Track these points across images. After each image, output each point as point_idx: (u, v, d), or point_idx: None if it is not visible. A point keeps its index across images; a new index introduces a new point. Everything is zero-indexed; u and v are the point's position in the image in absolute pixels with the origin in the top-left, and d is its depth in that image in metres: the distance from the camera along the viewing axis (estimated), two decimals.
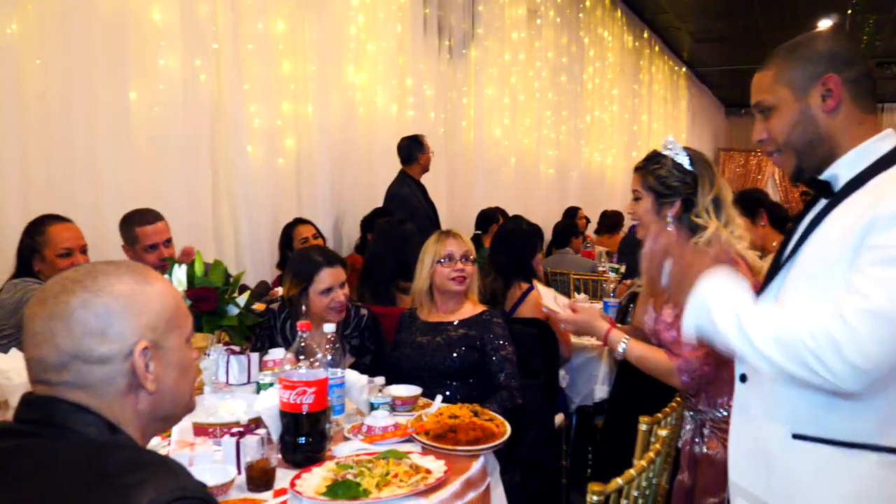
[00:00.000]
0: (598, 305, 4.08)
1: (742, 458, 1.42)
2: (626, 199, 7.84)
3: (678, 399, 1.94)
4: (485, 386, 2.57)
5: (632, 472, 1.38)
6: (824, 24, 10.47)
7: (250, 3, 4.00)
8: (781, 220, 3.40)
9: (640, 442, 1.64)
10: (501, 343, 2.58)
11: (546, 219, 7.29)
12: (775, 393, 1.34)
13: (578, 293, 4.86)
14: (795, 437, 1.32)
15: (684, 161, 2.03)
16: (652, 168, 2.05)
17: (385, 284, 3.35)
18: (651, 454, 1.47)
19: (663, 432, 1.56)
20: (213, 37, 3.78)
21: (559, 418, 3.24)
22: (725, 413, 1.95)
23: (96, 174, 3.25)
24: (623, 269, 5.35)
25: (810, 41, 1.39)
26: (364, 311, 2.79)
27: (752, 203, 3.31)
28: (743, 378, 1.43)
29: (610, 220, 7.66)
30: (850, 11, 7.88)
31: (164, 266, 2.81)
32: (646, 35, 11.05)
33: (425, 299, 2.71)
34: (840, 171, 1.36)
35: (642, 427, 1.64)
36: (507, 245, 3.33)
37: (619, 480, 1.47)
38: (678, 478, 2.08)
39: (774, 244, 3.07)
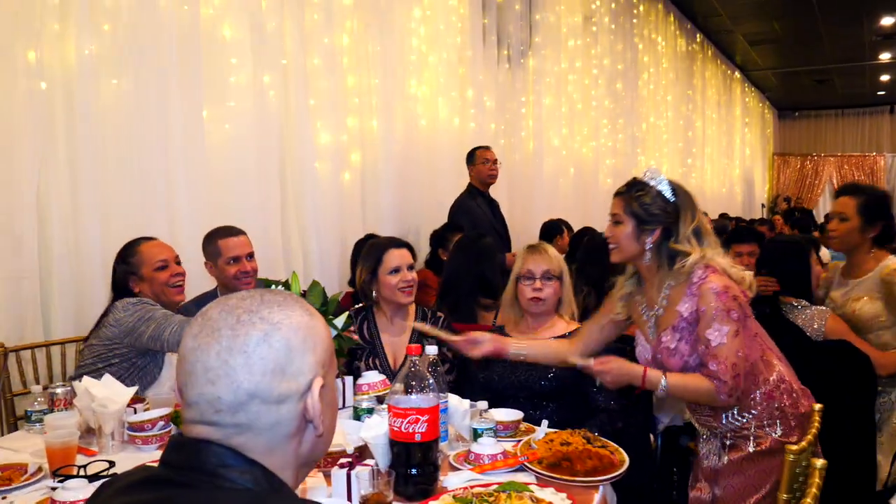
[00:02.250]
0: None
1: None
2: None
3: (817, 422, 1.81)
4: (582, 408, 2.44)
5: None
6: (886, 21, 10.15)
7: (315, 18, 3.97)
8: (886, 238, 2.99)
9: (787, 473, 1.50)
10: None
11: (603, 229, 7.13)
12: None
13: None
14: None
15: (667, 191, 2.07)
16: (636, 194, 2.10)
17: (465, 301, 3.25)
18: (815, 490, 1.34)
19: (819, 463, 1.42)
20: (281, 52, 3.75)
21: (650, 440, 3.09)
22: (745, 420, 2.03)
23: (171, 193, 3.24)
24: None
25: None
26: (441, 314, 2.78)
27: (877, 208, 2.94)
28: None
29: None
30: None
31: (249, 280, 2.88)
32: (699, 39, 10.86)
33: (512, 314, 2.61)
34: None
35: (789, 457, 1.50)
36: (599, 257, 3.19)
37: None
38: (693, 494, 2.13)
39: (870, 257, 2.90)
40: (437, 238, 4.40)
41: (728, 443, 2.07)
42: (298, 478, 0.99)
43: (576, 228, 5.63)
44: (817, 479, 1.39)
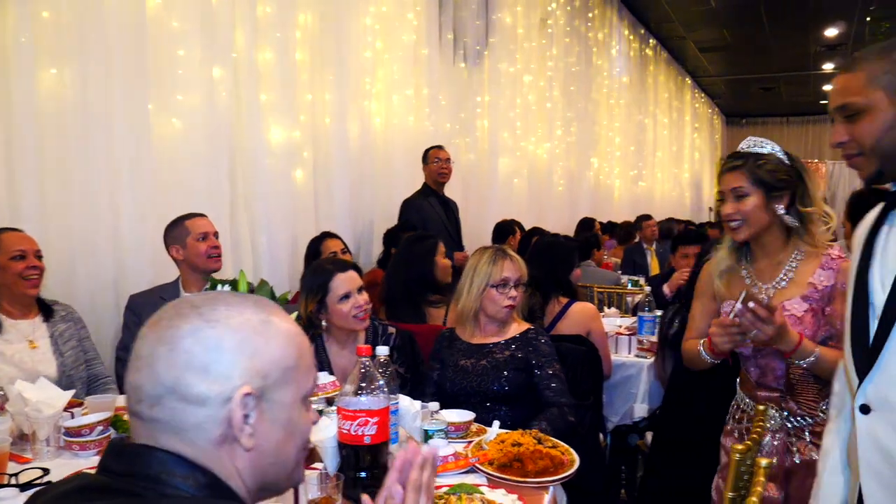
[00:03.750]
0: (630, 320, 3.99)
1: (878, 492, 1.32)
2: (634, 209, 7.77)
3: (760, 422, 1.81)
4: (534, 408, 2.43)
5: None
6: (830, 33, 10.45)
7: (268, 11, 3.89)
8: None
9: (733, 471, 1.50)
10: (548, 361, 2.44)
11: (558, 230, 7.17)
12: None
13: (605, 307, 4.73)
14: None
15: (783, 155, 2.01)
16: (758, 163, 1.98)
17: (413, 303, 3.22)
18: (759, 489, 1.35)
19: (764, 462, 1.43)
20: (232, 45, 3.67)
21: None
22: (823, 416, 1.92)
23: (115, 188, 3.14)
24: (643, 281, 5.26)
25: None
26: (392, 329, 2.64)
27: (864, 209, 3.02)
28: (865, 409, 1.34)
29: (624, 232, 7.57)
30: (868, 19, 7.82)
31: (218, 255, 2.93)
32: (652, 44, 11.03)
33: (469, 321, 2.52)
34: None
35: (735, 456, 1.51)
36: (546, 260, 3.19)
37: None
38: (764, 494, 1.95)
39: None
40: (390, 236, 4.36)
41: (808, 439, 1.96)
42: (254, 498, 0.94)
43: (529, 228, 5.67)
44: (762, 478, 1.40)
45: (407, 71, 5.08)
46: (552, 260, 3.18)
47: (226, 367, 0.87)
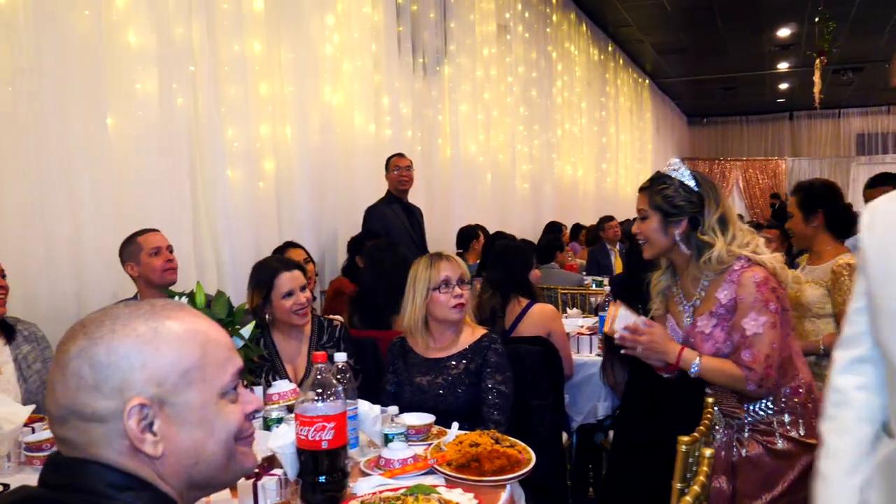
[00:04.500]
0: (592, 320, 4.07)
1: None
2: (598, 210, 7.90)
3: (709, 413, 1.88)
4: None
5: (688, 499, 1.31)
6: (783, 33, 10.70)
7: (226, 24, 3.90)
8: (840, 226, 3.06)
9: (680, 462, 1.57)
10: (494, 371, 2.41)
11: (522, 233, 7.26)
12: None
13: (568, 308, 4.81)
14: None
15: (689, 181, 2.08)
16: (658, 188, 2.09)
17: (386, 311, 3.24)
18: (702, 478, 1.40)
19: (708, 452, 1.49)
20: (189, 59, 3.67)
21: (563, 438, 3.17)
22: (770, 413, 2.03)
23: (74, 203, 3.13)
24: (607, 281, 5.35)
25: None
26: (337, 322, 2.77)
27: (811, 199, 3.02)
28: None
29: (592, 235, 7.67)
30: (817, 19, 8.04)
31: (173, 268, 2.97)
32: (610, 48, 11.19)
33: (419, 331, 2.49)
34: None
35: (682, 448, 1.57)
36: (503, 261, 3.25)
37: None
38: (713, 485, 2.03)
39: (828, 249, 2.99)
40: (355, 245, 4.39)
41: (747, 435, 2.04)
42: (186, 498, 0.97)
43: (493, 232, 5.72)
44: (705, 468, 1.46)
45: (367, 80, 5.11)
46: (509, 262, 3.24)
47: (115, 381, 0.89)
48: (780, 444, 2.04)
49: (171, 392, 0.92)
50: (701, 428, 1.73)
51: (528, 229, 7.45)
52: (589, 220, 8.75)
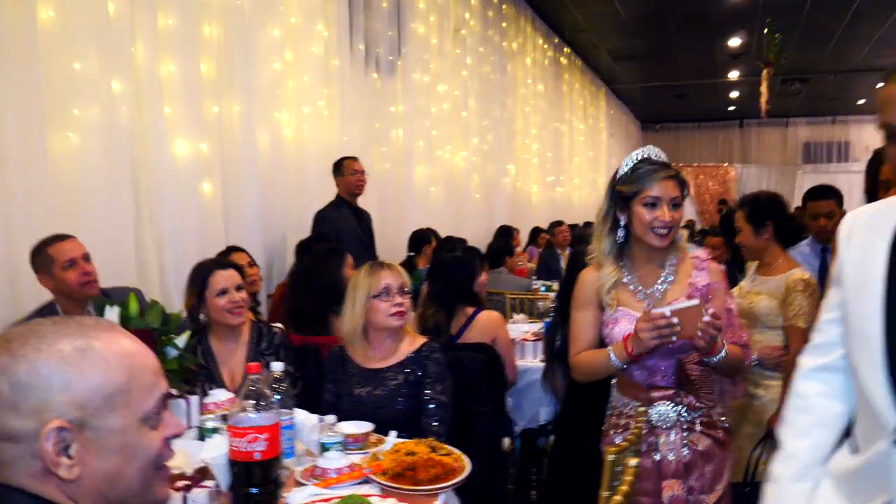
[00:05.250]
0: (538, 326, 4.11)
1: None
2: (552, 215, 7.93)
3: (639, 422, 1.92)
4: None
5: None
6: (734, 43, 10.95)
7: (171, 24, 3.84)
8: (789, 237, 3.14)
9: (607, 472, 1.60)
10: (435, 381, 2.42)
11: (476, 237, 7.29)
12: None
13: (515, 313, 4.85)
14: None
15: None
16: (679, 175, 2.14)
17: (321, 314, 3.23)
18: (626, 487, 1.43)
19: (633, 462, 1.53)
20: (132, 58, 3.60)
21: (506, 443, 3.20)
22: (711, 404, 2.10)
23: (7, 205, 3.02)
24: (556, 286, 5.41)
25: None
26: (276, 329, 2.75)
27: (760, 212, 3.04)
28: None
29: (545, 241, 7.75)
30: (765, 30, 8.25)
31: (91, 281, 2.72)
32: (567, 52, 11.29)
33: (359, 339, 2.48)
34: None
35: (609, 457, 1.60)
36: (446, 276, 3.24)
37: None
38: (668, 494, 2.04)
39: (780, 262, 3.01)
40: (303, 248, 4.35)
41: (698, 430, 2.06)
42: None
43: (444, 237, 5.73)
44: (629, 477, 1.49)
45: (318, 82, 5.08)
46: (453, 274, 3.24)
47: (35, 402, 0.87)
48: (721, 434, 2.10)
49: (93, 416, 0.91)
50: (630, 437, 1.76)
51: (481, 234, 7.49)
52: (543, 224, 8.83)
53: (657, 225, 2.02)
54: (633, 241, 2.12)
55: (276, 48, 4.73)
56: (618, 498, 1.39)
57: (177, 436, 1.04)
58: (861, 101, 15.90)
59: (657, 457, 2.05)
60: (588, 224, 9.50)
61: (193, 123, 3.98)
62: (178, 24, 3.87)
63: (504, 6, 8.56)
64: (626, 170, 2.09)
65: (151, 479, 0.98)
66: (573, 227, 8.17)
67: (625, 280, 2.13)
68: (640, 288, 2.12)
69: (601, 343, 2.15)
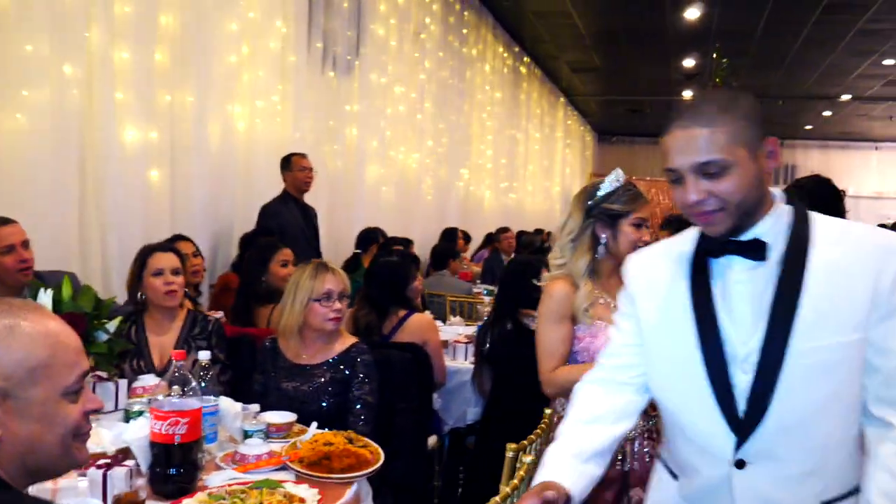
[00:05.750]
0: (472, 329, 4.24)
1: None
2: (503, 220, 8.05)
3: (545, 423, 2.06)
4: None
5: (497, 499, 1.46)
6: (688, 63, 11.28)
7: (127, 11, 3.87)
8: None
9: (506, 468, 1.73)
10: (362, 381, 2.50)
11: (425, 239, 7.43)
12: (801, 473, 1.33)
13: (454, 315, 4.98)
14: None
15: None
16: None
17: (247, 304, 3.35)
18: (515, 481, 1.56)
19: (528, 459, 1.66)
20: (85, 42, 3.63)
21: (432, 440, 3.32)
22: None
23: None
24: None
25: (745, 99, 1.32)
26: (212, 318, 2.84)
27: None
28: (741, 464, 1.34)
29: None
30: (714, 55, 8.56)
31: (27, 268, 2.73)
32: (526, 61, 11.47)
33: (293, 336, 2.55)
34: (765, 230, 1.33)
35: (509, 454, 1.73)
36: (379, 281, 3.36)
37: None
38: (636, 499, 2.11)
39: None
40: (247, 242, 4.42)
41: (647, 437, 2.13)
42: (17, 483, 1.05)
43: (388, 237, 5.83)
44: (522, 473, 1.62)
45: (273, 77, 5.13)
46: (387, 277, 3.35)
47: None
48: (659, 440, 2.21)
49: (16, 386, 1.01)
50: (532, 437, 1.89)
51: (432, 236, 7.60)
52: (492, 229, 8.97)
53: (640, 245, 2.12)
54: (605, 256, 2.21)
55: (233, 41, 4.78)
56: (506, 490, 1.51)
57: (96, 410, 1.15)
58: (808, 127, 16.49)
59: (625, 467, 2.11)
60: (539, 231, 9.71)
61: (144, 111, 4.02)
62: (134, 11, 3.91)
63: (465, 13, 8.69)
64: (611, 189, 2.20)
65: (69, 446, 1.09)
66: (520, 233, 8.32)
67: (600, 298, 2.19)
68: (610, 301, 2.18)
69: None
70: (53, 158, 3.45)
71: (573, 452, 1.40)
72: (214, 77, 4.58)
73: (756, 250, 1.31)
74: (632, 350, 1.50)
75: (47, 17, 3.40)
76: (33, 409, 1.03)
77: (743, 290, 1.33)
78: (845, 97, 13.29)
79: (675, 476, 1.50)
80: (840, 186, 2.96)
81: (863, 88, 12.56)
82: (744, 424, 1.31)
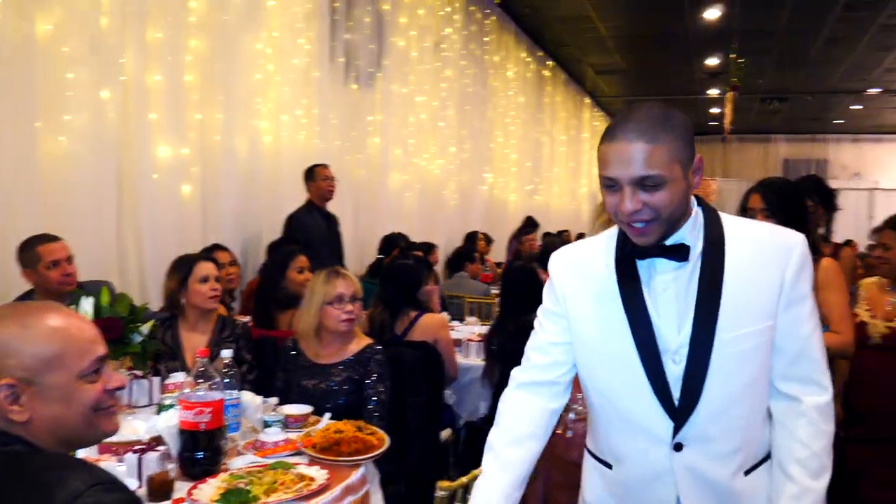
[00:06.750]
0: (486, 328, 4.43)
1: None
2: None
3: None
4: None
5: (475, 471, 1.67)
6: (711, 62, 11.33)
7: (158, 37, 4.16)
8: None
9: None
10: (376, 381, 2.71)
11: (450, 243, 7.63)
12: (731, 450, 1.47)
13: (471, 316, 5.18)
14: (748, 472, 1.50)
15: None
16: None
17: (269, 309, 3.59)
18: (476, 472, 1.75)
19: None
20: (121, 69, 3.92)
21: (446, 433, 3.52)
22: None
23: (4, 205, 3.32)
24: None
25: (677, 118, 1.41)
26: (240, 322, 3.08)
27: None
28: (679, 447, 1.47)
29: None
30: (733, 55, 8.65)
31: (71, 280, 3.02)
32: (550, 65, 11.58)
33: (311, 338, 2.78)
34: (686, 234, 1.45)
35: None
36: (392, 281, 3.59)
37: (463, 479, 1.85)
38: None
39: None
40: (274, 249, 4.67)
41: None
42: (60, 449, 1.28)
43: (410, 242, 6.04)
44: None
45: (297, 92, 5.39)
46: (399, 281, 3.58)
47: None
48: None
49: (36, 375, 1.23)
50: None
51: (456, 240, 7.78)
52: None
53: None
54: None
55: (259, 60, 5.05)
56: (465, 480, 1.72)
57: (120, 388, 1.37)
58: (838, 121, 16.34)
59: None
60: (562, 232, 9.85)
61: (176, 129, 4.31)
62: (165, 36, 4.20)
63: (487, 21, 8.87)
64: None
65: (92, 420, 1.30)
66: (545, 235, 8.45)
67: None
68: None
69: None
70: (93, 177, 3.75)
71: (505, 493, 1.53)
72: (241, 95, 4.85)
73: (679, 252, 1.44)
74: (560, 349, 1.59)
75: (86, 47, 3.70)
76: (54, 393, 1.24)
77: (669, 288, 1.46)
78: (873, 90, 13.18)
79: (608, 466, 1.61)
80: (873, 178, 2.98)
81: (890, 81, 12.46)
82: (680, 411, 1.44)
